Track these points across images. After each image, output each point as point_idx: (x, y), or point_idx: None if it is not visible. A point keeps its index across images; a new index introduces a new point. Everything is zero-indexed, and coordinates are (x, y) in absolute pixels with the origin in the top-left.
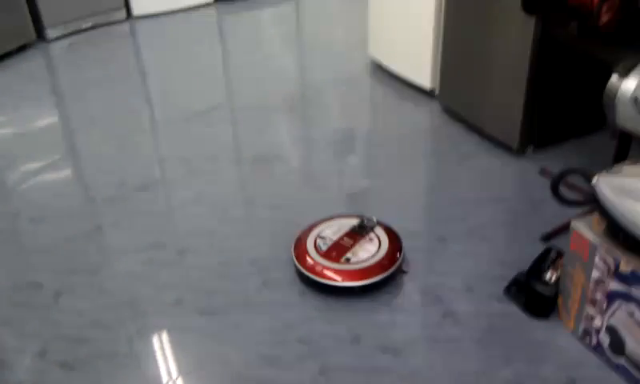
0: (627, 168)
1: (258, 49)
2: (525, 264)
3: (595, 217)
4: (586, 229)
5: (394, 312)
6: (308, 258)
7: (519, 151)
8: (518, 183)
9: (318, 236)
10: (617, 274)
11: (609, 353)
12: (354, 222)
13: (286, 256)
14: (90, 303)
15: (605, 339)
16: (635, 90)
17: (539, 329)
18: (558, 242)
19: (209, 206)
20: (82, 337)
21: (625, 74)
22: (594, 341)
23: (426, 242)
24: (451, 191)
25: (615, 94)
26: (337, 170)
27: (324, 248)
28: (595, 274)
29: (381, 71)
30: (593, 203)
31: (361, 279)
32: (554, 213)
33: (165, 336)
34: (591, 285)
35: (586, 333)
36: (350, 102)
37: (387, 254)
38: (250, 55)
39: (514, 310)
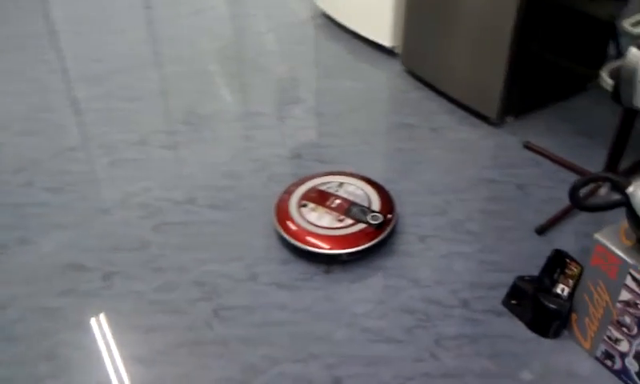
0: None
1: (186, 0)
2: (521, 264)
3: (622, 228)
4: (614, 243)
5: (378, 342)
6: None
7: (498, 122)
8: (500, 161)
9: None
10: None
11: (637, 380)
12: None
13: (240, 273)
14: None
15: (633, 365)
16: None
17: (553, 351)
18: (555, 235)
19: (138, 208)
20: None
21: None
22: (619, 365)
23: (404, 243)
24: (426, 175)
25: (636, 71)
26: (288, 153)
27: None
28: (625, 295)
29: (330, 26)
30: (624, 209)
31: None
32: (544, 197)
33: None
34: (618, 306)
35: (608, 355)
36: (296, 65)
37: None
38: (176, 8)
39: (517, 328)
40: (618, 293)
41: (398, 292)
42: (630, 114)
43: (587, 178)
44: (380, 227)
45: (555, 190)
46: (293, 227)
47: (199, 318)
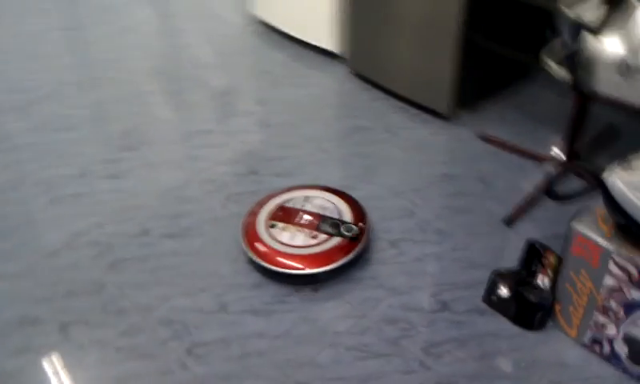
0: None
1: (115, 17)
2: (494, 258)
3: (599, 215)
4: (594, 231)
5: (365, 359)
6: None
7: (450, 116)
8: (458, 155)
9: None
10: None
11: (627, 362)
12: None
13: (210, 305)
14: None
15: (622, 348)
16: (622, 51)
17: (540, 343)
18: (523, 225)
19: (88, 247)
20: None
21: (600, 30)
22: (607, 349)
23: (376, 251)
24: (387, 177)
25: (595, 57)
26: (243, 170)
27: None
28: (609, 281)
29: (269, 33)
30: (598, 194)
31: None
32: (506, 187)
33: None
34: (603, 293)
35: (596, 341)
36: (238, 76)
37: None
38: (103, 27)
39: (502, 324)
40: (602, 279)
41: (377, 303)
42: (584, 97)
43: (562, 171)
44: (356, 238)
45: (515, 179)
46: (265, 250)
47: (172, 359)
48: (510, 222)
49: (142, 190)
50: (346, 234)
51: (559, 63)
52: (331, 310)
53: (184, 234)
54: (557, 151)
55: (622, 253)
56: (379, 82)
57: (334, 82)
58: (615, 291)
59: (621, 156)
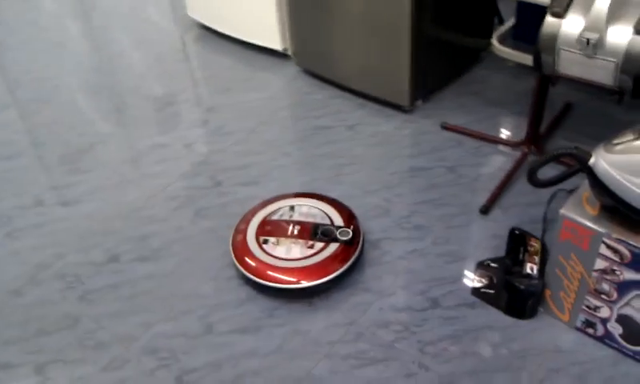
0: (622, 144)
1: (42, 34)
2: (475, 249)
3: (584, 197)
4: (581, 215)
5: (363, 366)
6: None
7: (410, 108)
8: (423, 147)
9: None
10: (633, 263)
11: (622, 342)
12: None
13: (194, 328)
14: None
15: (616, 329)
16: (584, 30)
17: (534, 330)
18: (499, 212)
19: (54, 280)
20: None
21: (562, 12)
22: (601, 331)
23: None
24: (356, 176)
25: (555, 38)
26: (206, 182)
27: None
28: (601, 263)
29: (210, 37)
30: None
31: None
32: (474, 175)
33: None
34: (595, 275)
35: (589, 324)
36: (184, 85)
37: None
38: (28, 45)
39: (493, 316)
40: (593, 263)
41: (367, 307)
42: (545, 79)
43: (545, 158)
44: (352, 242)
45: (483, 166)
46: (260, 267)
47: None
48: (486, 210)
49: (103, 215)
50: (343, 238)
51: (512, 47)
52: (322, 320)
53: (156, 256)
54: (519, 135)
55: (612, 235)
56: (333, 79)
57: (285, 83)
58: (608, 273)
59: (582, 134)
